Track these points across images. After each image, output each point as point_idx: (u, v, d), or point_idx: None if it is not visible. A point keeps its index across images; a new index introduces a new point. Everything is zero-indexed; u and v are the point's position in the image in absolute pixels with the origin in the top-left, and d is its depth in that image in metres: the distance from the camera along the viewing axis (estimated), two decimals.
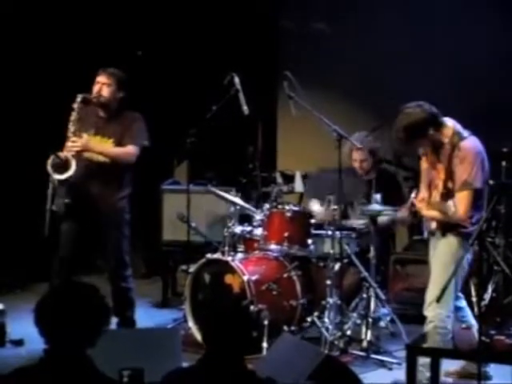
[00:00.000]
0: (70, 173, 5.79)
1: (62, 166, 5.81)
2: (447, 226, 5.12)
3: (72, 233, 6.02)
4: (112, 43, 8.34)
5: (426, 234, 5.43)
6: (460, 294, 5.34)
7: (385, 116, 6.74)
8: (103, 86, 5.95)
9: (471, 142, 5.09)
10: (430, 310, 5.08)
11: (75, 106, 5.89)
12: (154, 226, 7.66)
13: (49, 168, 5.82)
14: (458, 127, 5.14)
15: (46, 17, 8.06)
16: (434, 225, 5.20)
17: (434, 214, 5.13)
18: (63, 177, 5.79)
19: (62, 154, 5.83)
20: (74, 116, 5.90)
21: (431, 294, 5.08)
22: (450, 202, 5.00)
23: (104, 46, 8.22)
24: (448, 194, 5.08)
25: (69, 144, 5.86)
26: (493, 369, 4.91)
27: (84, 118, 5.97)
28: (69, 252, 6.03)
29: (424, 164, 5.31)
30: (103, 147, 5.96)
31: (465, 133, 5.13)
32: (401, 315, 6.26)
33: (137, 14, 8.55)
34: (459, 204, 4.97)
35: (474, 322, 5.20)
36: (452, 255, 5.05)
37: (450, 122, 5.15)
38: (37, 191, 6.23)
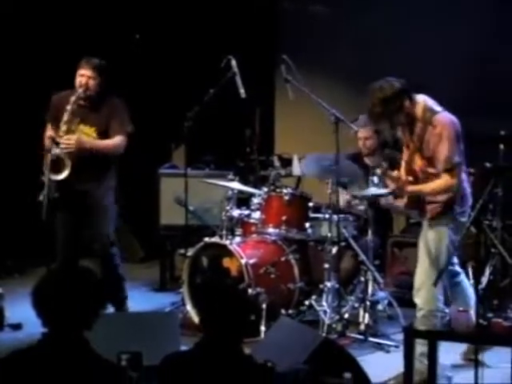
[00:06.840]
0: (66, 173, 5.84)
1: (56, 164, 5.84)
2: (436, 211, 5.02)
3: (64, 220, 6.08)
4: (110, 26, 8.31)
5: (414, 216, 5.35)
6: (459, 269, 5.26)
7: None
8: (89, 79, 5.98)
9: (444, 116, 4.93)
10: (419, 297, 5.02)
11: (68, 107, 5.91)
12: (152, 210, 7.65)
13: (46, 168, 5.83)
14: (430, 103, 4.96)
15: (43, 3, 8.04)
16: (428, 214, 5.04)
17: (419, 187, 5.00)
18: (60, 177, 5.83)
19: (56, 153, 5.85)
20: (66, 116, 5.92)
21: (418, 280, 5.04)
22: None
23: (102, 29, 8.20)
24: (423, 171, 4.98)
25: (63, 142, 5.87)
26: (491, 354, 4.91)
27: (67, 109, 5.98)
28: (66, 238, 6.08)
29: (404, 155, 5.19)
30: (93, 143, 6.01)
31: (437, 108, 4.95)
32: (398, 298, 6.28)
33: None
34: (450, 178, 4.86)
35: (472, 296, 5.13)
36: (439, 241, 4.97)
37: (420, 98, 4.97)
38: (34, 177, 6.21)
